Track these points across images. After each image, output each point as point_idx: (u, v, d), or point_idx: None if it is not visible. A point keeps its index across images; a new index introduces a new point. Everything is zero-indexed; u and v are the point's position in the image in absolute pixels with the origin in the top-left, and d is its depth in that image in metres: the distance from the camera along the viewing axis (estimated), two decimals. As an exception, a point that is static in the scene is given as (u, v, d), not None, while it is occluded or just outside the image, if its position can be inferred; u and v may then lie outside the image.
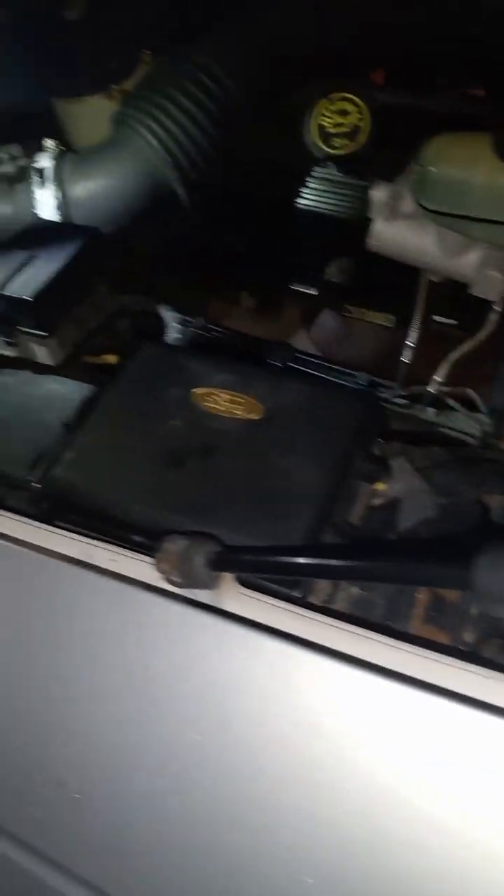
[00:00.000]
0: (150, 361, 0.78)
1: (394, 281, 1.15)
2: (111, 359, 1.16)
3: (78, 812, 0.50)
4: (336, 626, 0.55)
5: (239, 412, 0.71)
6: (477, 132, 0.86)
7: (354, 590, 0.68)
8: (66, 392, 0.99)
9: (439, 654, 0.50)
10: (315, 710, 0.52)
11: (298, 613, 0.57)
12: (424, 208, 0.89)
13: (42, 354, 1.00)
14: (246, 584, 0.58)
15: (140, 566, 0.60)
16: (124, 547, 0.63)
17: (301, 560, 0.52)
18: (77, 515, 0.69)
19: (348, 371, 1.20)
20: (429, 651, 0.52)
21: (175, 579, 0.56)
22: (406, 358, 1.14)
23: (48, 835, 0.52)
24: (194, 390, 0.73)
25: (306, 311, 1.45)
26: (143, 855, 0.50)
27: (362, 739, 0.51)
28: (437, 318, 1.24)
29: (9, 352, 1.01)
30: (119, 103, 1.26)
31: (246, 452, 0.68)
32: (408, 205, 0.95)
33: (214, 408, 0.72)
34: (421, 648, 0.52)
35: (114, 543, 0.63)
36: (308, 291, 1.36)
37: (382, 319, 1.23)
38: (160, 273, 1.25)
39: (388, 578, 0.51)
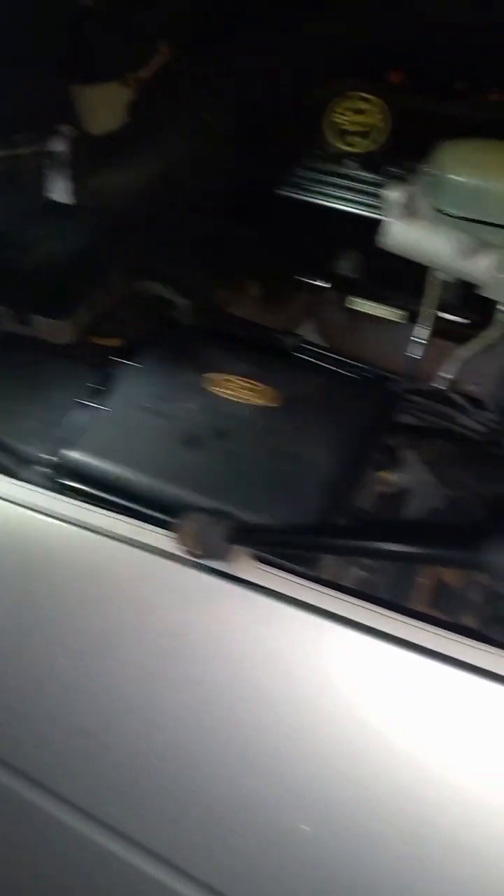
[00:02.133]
0: (167, 346, 0.82)
1: (404, 277, 1.20)
2: (116, 342, 1.21)
3: (100, 760, 0.54)
4: (343, 598, 0.60)
5: (254, 399, 0.75)
6: (492, 139, 0.91)
7: (358, 572, 0.73)
8: (76, 372, 1.04)
9: (434, 626, 0.55)
10: (325, 671, 0.57)
11: (308, 585, 0.61)
12: (439, 211, 0.94)
13: (55, 335, 1.04)
14: (261, 560, 0.63)
15: (159, 538, 0.65)
16: (143, 521, 0.67)
17: (317, 538, 0.57)
18: (95, 490, 0.73)
19: (355, 363, 1.25)
20: (423, 622, 0.56)
21: (195, 551, 0.60)
22: (414, 353, 1.19)
23: (73, 781, 0.56)
24: (209, 375, 0.77)
25: (314, 303, 1.49)
26: (151, 795, 0.55)
27: (365, 697, 0.56)
28: (444, 315, 1.29)
29: (23, 331, 1.05)
30: (135, 91, 1.31)
31: (261, 437, 0.72)
32: (423, 206, 0.99)
33: (230, 394, 0.76)
34: (415, 619, 0.57)
35: (132, 517, 0.68)
36: (317, 283, 1.40)
37: (391, 315, 1.27)
38: (170, 260, 1.29)
39: (401, 557, 0.55)
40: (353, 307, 1.33)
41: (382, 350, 1.37)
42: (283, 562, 0.63)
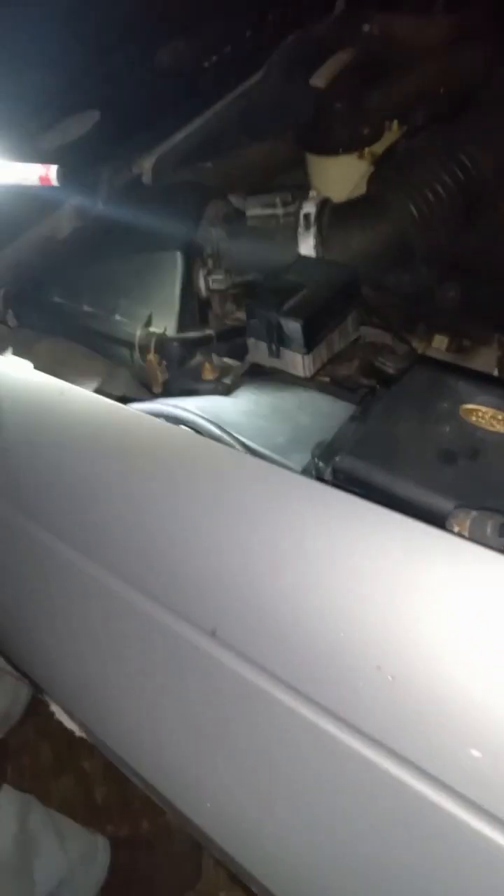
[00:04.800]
0: (423, 377, 1.00)
1: None
2: (325, 379, 1.40)
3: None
4: None
5: (501, 428, 0.91)
6: None
7: None
8: (313, 399, 1.23)
9: None
10: None
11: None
12: None
13: (298, 368, 1.24)
14: None
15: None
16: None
17: None
18: (359, 489, 0.90)
19: None
20: None
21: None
22: None
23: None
24: (463, 406, 0.94)
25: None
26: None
27: None
28: None
29: (271, 363, 1.26)
30: (369, 163, 1.53)
31: (507, 459, 0.88)
32: None
33: (479, 422, 0.92)
34: None
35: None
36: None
37: None
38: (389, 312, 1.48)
39: None
40: None
41: None
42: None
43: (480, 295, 1.54)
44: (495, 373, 1.67)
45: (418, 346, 1.68)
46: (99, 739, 1.15)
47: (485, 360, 1.67)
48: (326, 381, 1.37)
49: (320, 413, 1.19)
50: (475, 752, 0.66)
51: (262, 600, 0.77)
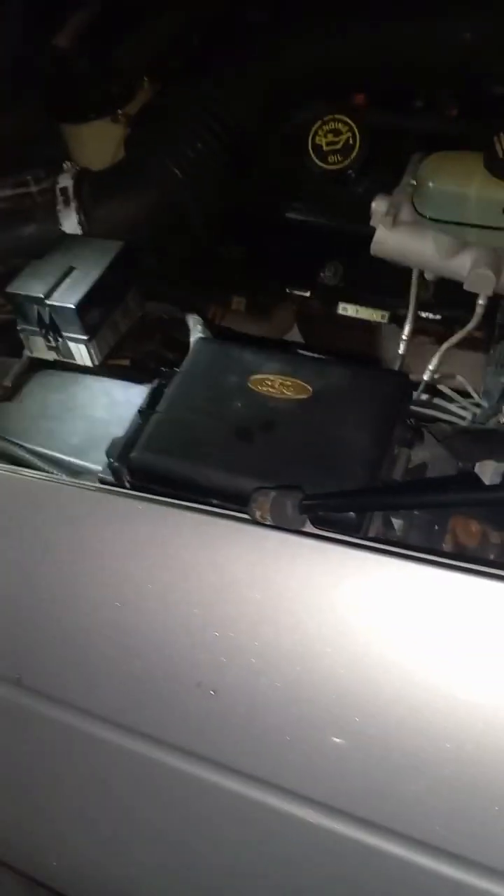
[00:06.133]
0: (207, 355, 0.94)
1: (383, 282, 1.33)
2: (124, 362, 1.32)
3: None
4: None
5: (290, 393, 0.87)
6: (467, 151, 1.05)
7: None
8: (105, 389, 1.14)
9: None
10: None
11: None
12: (423, 217, 1.07)
13: (83, 357, 1.14)
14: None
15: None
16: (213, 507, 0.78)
17: (378, 497, 0.69)
18: (160, 486, 0.84)
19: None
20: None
21: (268, 523, 0.71)
22: (402, 350, 1.32)
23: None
24: (251, 377, 0.89)
25: (299, 312, 1.62)
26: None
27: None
28: (422, 314, 1.43)
29: (52, 355, 1.16)
30: (125, 126, 1.43)
31: (303, 426, 0.84)
32: (406, 214, 1.13)
33: (269, 391, 0.88)
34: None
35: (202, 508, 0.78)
36: (301, 294, 1.53)
37: (376, 316, 1.40)
38: (171, 281, 1.41)
39: (451, 504, 0.67)
40: (340, 312, 1.45)
41: (368, 349, 1.50)
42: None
43: (265, 250, 1.50)
44: (294, 329, 1.66)
45: (217, 310, 1.63)
46: None
47: (284, 317, 1.65)
48: (125, 364, 1.29)
49: (115, 403, 1.10)
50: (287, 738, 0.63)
51: (65, 636, 0.69)
